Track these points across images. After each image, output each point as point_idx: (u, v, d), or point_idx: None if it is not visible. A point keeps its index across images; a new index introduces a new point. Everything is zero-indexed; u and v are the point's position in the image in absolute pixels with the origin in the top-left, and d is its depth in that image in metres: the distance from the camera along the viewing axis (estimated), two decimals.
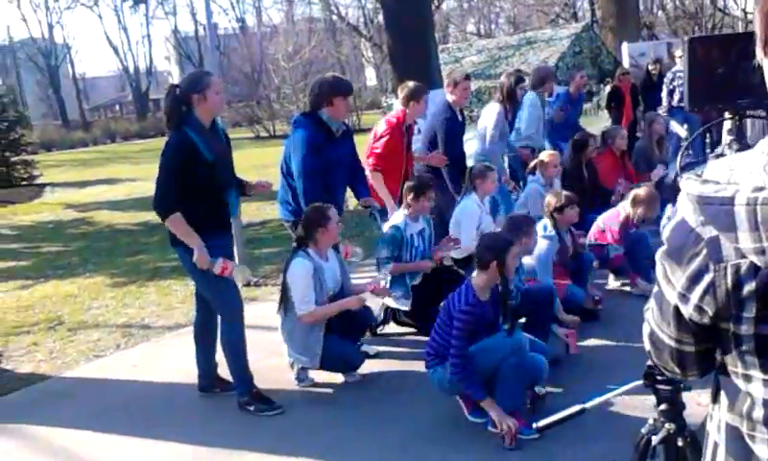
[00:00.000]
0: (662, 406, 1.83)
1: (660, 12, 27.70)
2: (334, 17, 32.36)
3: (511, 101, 6.60)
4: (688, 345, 1.15)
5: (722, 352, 1.11)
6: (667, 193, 5.44)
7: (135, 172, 18.13)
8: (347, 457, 3.57)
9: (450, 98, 5.97)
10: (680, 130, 9.45)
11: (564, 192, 5.22)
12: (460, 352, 3.49)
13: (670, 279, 1.10)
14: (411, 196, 4.94)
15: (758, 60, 1.06)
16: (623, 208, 5.53)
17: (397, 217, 5.01)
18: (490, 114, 6.60)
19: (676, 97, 9.30)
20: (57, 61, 48.33)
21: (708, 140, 9.54)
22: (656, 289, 1.17)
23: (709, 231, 1.02)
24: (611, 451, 3.18)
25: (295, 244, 4.30)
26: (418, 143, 6.23)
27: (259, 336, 4.66)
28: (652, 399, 1.85)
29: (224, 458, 3.68)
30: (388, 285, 4.77)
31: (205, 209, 3.89)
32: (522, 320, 4.07)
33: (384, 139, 5.51)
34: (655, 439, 1.84)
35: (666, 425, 1.82)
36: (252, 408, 4.06)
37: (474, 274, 3.67)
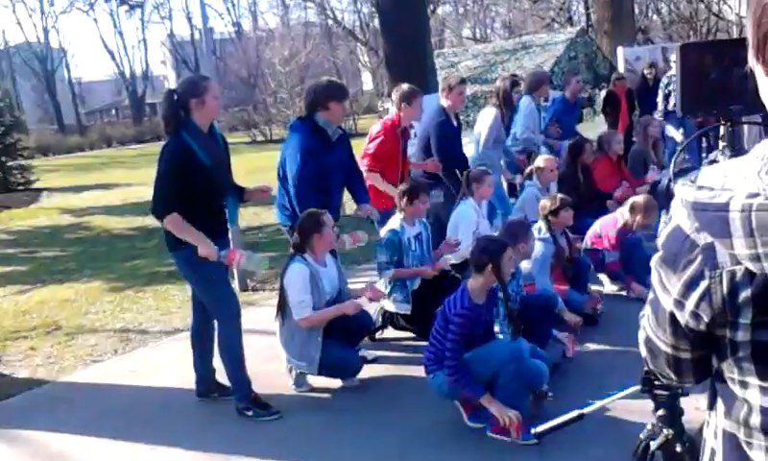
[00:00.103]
0: (660, 412, 1.83)
1: (655, 17, 27.82)
2: (330, 22, 32.41)
3: (507, 105, 6.62)
4: (684, 351, 1.15)
5: (718, 359, 1.11)
6: (661, 200, 5.45)
7: (132, 177, 18.10)
8: None
9: (445, 102, 5.97)
10: (675, 134, 9.46)
11: (559, 195, 5.25)
12: (455, 355, 3.49)
13: (666, 286, 1.09)
14: (405, 200, 4.94)
15: (750, 65, 1.05)
16: (621, 215, 5.54)
17: (394, 222, 5.02)
18: (486, 119, 6.63)
19: (671, 101, 9.30)
20: (53, 66, 48.24)
21: (704, 144, 9.56)
22: (651, 295, 1.16)
23: (704, 238, 1.02)
24: (609, 457, 3.18)
25: (292, 250, 4.30)
26: (414, 147, 6.25)
27: (257, 341, 4.66)
28: (650, 404, 1.86)
29: None
30: (387, 290, 4.75)
31: (203, 214, 3.88)
32: (522, 328, 4.06)
33: (378, 140, 5.51)
34: (653, 444, 1.85)
35: (664, 431, 1.83)
36: (249, 413, 4.06)
37: (470, 277, 3.68)
